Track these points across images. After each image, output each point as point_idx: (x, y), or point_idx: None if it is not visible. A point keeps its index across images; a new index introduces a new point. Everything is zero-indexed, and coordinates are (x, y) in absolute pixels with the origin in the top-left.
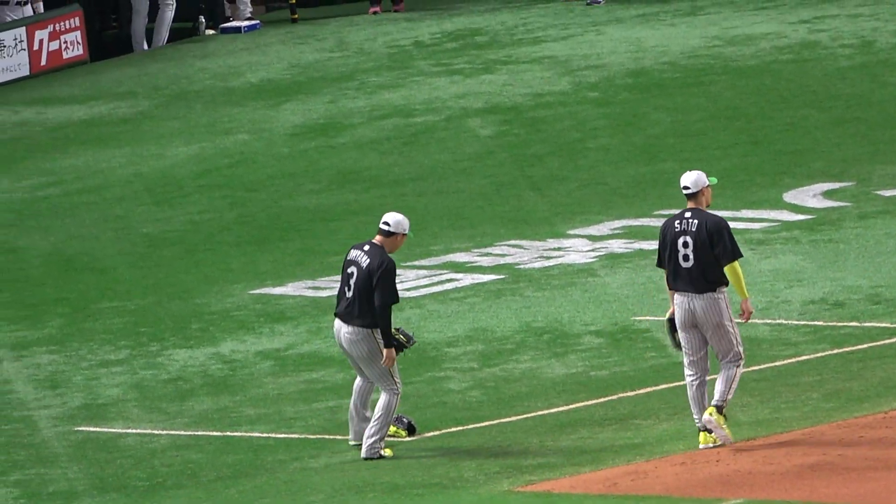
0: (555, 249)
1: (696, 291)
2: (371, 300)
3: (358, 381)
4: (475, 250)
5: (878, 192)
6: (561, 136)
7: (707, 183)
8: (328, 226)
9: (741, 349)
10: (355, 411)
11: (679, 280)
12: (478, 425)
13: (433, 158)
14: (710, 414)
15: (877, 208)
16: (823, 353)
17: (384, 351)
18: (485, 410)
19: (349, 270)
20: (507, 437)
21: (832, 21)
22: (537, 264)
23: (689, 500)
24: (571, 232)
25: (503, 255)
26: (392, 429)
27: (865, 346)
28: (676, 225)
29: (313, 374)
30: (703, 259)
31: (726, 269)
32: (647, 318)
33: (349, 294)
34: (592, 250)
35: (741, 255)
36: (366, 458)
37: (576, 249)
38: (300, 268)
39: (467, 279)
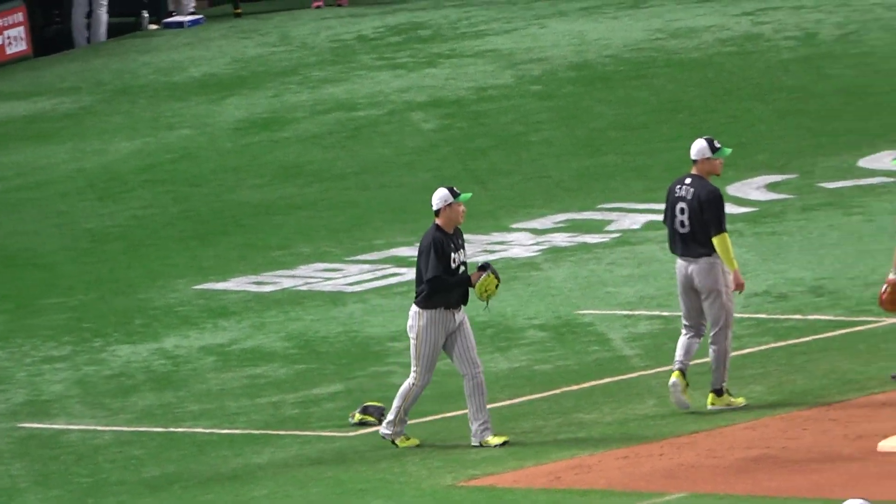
0: (498, 243)
1: (692, 256)
2: (421, 279)
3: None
4: (418, 244)
5: (821, 185)
6: (504, 129)
7: (707, 155)
8: (271, 220)
9: (729, 321)
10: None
11: (677, 245)
12: (421, 420)
13: (376, 152)
14: (712, 403)
15: (819, 200)
16: (767, 346)
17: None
18: (428, 405)
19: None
20: (450, 431)
21: (775, 13)
22: (480, 258)
23: (633, 493)
24: (515, 225)
25: None
26: (357, 416)
27: (809, 338)
28: (677, 189)
29: (256, 370)
30: (697, 226)
31: (714, 241)
32: (591, 311)
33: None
34: (536, 244)
35: (723, 231)
36: (382, 437)
37: (519, 243)
38: (243, 263)
39: (411, 273)
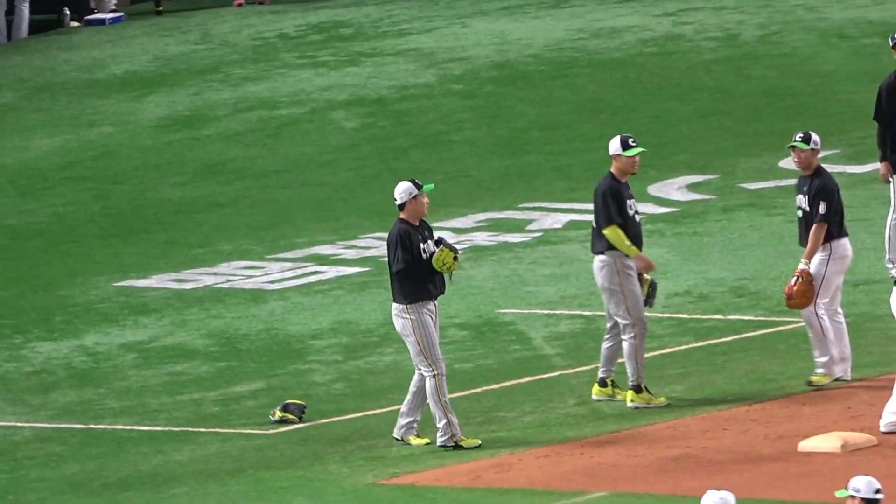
0: None
1: (594, 253)
2: (392, 273)
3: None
4: (340, 243)
5: (742, 185)
6: (426, 128)
7: (618, 152)
8: (193, 218)
9: (638, 315)
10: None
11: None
12: (342, 418)
13: (298, 151)
14: (631, 400)
15: (741, 201)
16: (687, 346)
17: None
18: (349, 403)
19: None
20: (371, 429)
21: (696, 14)
22: None
23: (553, 492)
24: (436, 225)
25: (368, 248)
26: (278, 414)
27: (729, 338)
28: None
29: (177, 367)
30: (595, 222)
31: (605, 234)
32: (512, 310)
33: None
34: (457, 243)
35: (611, 223)
36: (441, 446)
37: None
38: (164, 260)
39: (332, 272)
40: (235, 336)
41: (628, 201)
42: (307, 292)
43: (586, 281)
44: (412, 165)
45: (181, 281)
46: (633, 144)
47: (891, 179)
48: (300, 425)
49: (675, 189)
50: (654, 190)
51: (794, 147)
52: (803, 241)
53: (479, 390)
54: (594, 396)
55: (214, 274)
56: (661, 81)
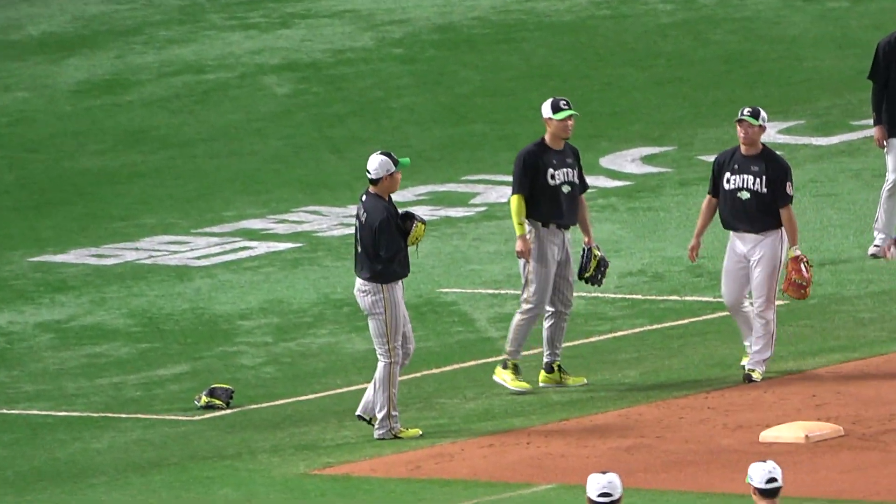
0: (355, 216)
1: None
2: (377, 254)
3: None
4: (270, 217)
5: (700, 157)
6: (363, 94)
7: (546, 114)
8: (114, 189)
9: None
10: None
11: None
12: (272, 403)
13: (226, 118)
14: (543, 381)
15: (699, 174)
16: (641, 329)
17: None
18: (280, 388)
19: (355, 227)
20: (303, 416)
21: None
22: (337, 232)
23: (498, 484)
24: None
25: (300, 222)
26: (204, 399)
27: (686, 321)
28: None
29: (96, 348)
30: None
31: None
32: (454, 290)
33: (357, 249)
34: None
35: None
36: (378, 439)
37: None
38: (83, 234)
39: (262, 247)
40: (159, 316)
41: (554, 171)
42: (235, 269)
43: None
44: (348, 134)
45: (101, 256)
46: (564, 107)
47: (885, 144)
48: (227, 411)
49: (628, 161)
50: (606, 162)
51: (741, 121)
52: (740, 224)
53: (418, 375)
54: (541, 383)
55: (136, 249)
56: (615, 46)
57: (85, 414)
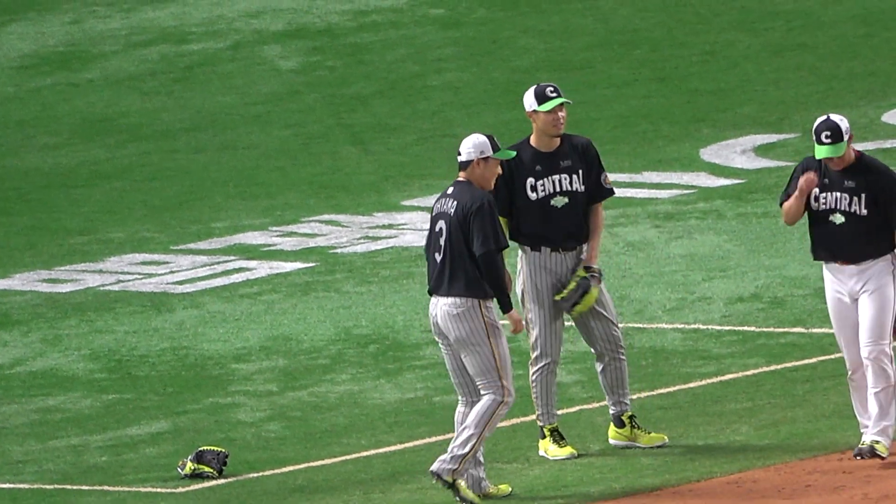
0: (384, 227)
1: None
2: (471, 256)
3: (460, 408)
4: (274, 228)
5: None
6: (392, 70)
7: (529, 107)
8: (70, 194)
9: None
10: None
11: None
12: (279, 470)
13: (215, 101)
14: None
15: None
16: (757, 371)
17: (506, 318)
18: (288, 450)
19: (437, 228)
20: (318, 486)
21: None
22: (360, 248)
23: None
24: (407, 203)
25: (313, 236)
26: (190, 466)
27: (814, 360)
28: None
29: (50, 401)
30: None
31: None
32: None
33: (439, 257)
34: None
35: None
36: (434, 472)
37: (413, 227)
38: (31, 253)
39: (263, 268)
40: (130, 358)
41: (536, 180)
42: (229, 297)
43: (609, 279)
44: (374, 121)
45: (55, 281)
46: (552, 94)
47: None
48: (220, 481)
49: (738, 153)
50: (709, 154)
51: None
52: (846, 255)
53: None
54: (611, 440)
55: (101, 272)
56: (719, 4)
57: (35, 486)
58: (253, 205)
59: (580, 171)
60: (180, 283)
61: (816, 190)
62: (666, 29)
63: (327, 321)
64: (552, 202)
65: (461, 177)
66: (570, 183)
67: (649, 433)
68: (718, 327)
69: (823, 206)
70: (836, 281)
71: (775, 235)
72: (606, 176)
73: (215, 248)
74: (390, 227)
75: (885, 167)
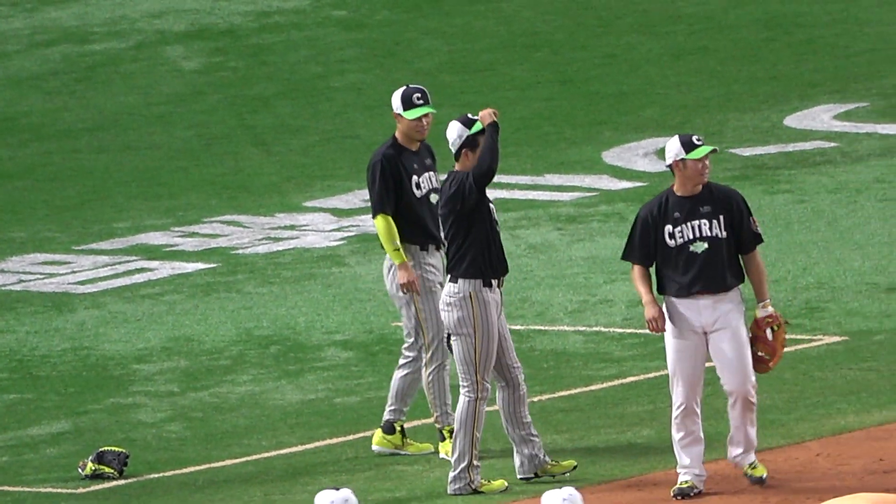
0: (286, 228)
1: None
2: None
3: (499, 394)
4: (176, 229)
5: (734, 151)
6: (295, 71)
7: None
8: None
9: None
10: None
11: None
12: (179, 471)
13: (117, 101)
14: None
15: (731, 172)
16: (658, 373)
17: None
18: (189, 451)
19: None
20: (219, 487)
21: None
22: (262, 248)
23: None
24: (309, 204)
25: (214, 236)
26: (90, 466)
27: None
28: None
29: None
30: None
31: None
32: None
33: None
34: (339, 229)
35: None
36: (453, 494)
37: (315, 228)
38: None
39: (165, 269)
40: (31, 358)
41: (418, 177)
42: (130, 297)
43: (511, 280)
44: (276, 122)
45: None
46: (419, 102)
47: None
48: (120, 482)
49: (640, 156)
50: (611, 157)
51: (705, 157)
52: (707, 283)
53: (368, 433)
54: (375, 447)
55: (2, 271)
56: (621, 7)
57: None
58: (155, 205)
59: (435, 171)
60: (82, 283)
61: (669, 227)
62: (568, 32)
63: (229, 322)
64: (430, 198)
65: (457, 167)
66: (436, 181)
67: (419, 444)
68: (620, 330)
69: (682, 240)
70: (686, 315)
71: None
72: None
73: (117, 248)
74: (292, 228)
75: (733, 189)
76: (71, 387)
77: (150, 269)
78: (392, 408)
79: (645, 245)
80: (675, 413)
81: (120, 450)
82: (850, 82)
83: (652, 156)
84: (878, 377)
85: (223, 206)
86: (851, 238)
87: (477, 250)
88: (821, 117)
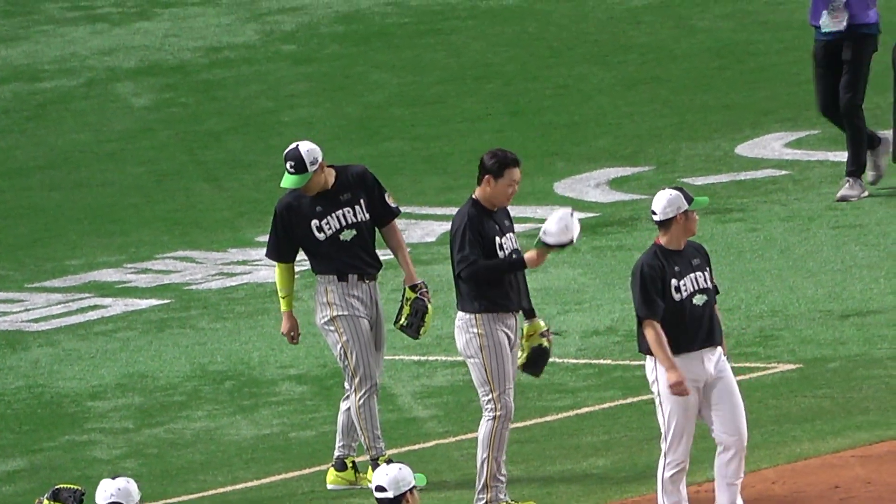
0: (239, 263)
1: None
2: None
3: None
4: (129, 265)
5: (685, 180)
6: (246, 106)
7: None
8: None
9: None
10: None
11: None
12: None
13: (68, 139)
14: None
15: None
16: (613, 403)
17: (529, 257)
18: (145, 487)
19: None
20: None
21: None
22: (215, 284)
23: None
24: (262, 238)
25: (167, 272)
26: None
27: None
28: None
29: None
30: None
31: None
32: None
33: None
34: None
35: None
36: None
37: (268, 263)
38: None
39: (118, 305)
40: None
41: (320, 221)
42: (84, 335)
43: None
44: (228, 157)
45: None
46: (292, 171)
47: None
48: None
49: (592, 187)
50: (563, 188)
51: (692, 211)
52: (710, 336)
53: (324, 467)
54: (330, 485)
55: None
56: (572, 38)
57: None
58: (107, 242)
59: (359, 202)
60: (35, 320)
61: (674, 281)
62: (519, 63)
63: (183, 358)
64: (342, 237)
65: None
66: (355, 215)
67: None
68: (574, 360)
69: (686, 293)
70: (692, 370)
71: (629, 269)
72: (389, 195)
73: (70, 285)
74: (245, 263)
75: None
76: (26, 424)
77: (104, 306)
78: (341, 444)
79: (661, 299)
80: (668, 472)
81: (76, 487)
82: (802, 110)
83: (604, 186)
84: (833, 404)
85: (176, 241)
86: (804, 266)
87: (473, 284)
88: (772, 145)
